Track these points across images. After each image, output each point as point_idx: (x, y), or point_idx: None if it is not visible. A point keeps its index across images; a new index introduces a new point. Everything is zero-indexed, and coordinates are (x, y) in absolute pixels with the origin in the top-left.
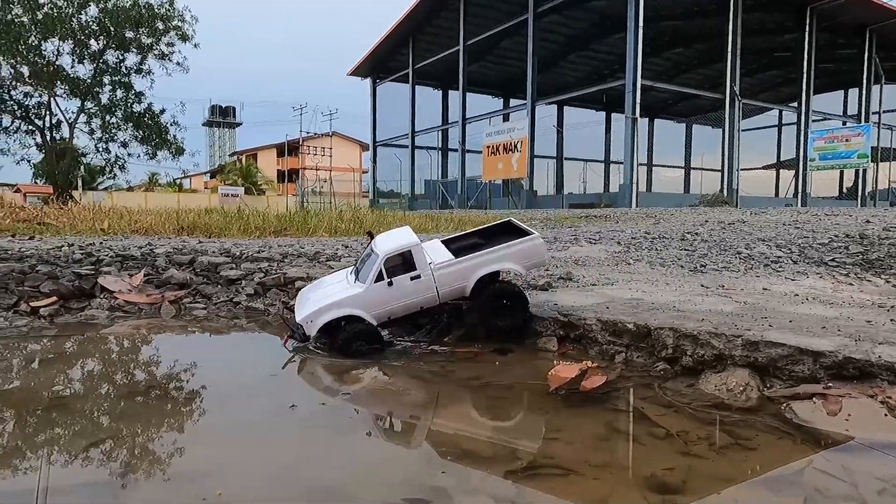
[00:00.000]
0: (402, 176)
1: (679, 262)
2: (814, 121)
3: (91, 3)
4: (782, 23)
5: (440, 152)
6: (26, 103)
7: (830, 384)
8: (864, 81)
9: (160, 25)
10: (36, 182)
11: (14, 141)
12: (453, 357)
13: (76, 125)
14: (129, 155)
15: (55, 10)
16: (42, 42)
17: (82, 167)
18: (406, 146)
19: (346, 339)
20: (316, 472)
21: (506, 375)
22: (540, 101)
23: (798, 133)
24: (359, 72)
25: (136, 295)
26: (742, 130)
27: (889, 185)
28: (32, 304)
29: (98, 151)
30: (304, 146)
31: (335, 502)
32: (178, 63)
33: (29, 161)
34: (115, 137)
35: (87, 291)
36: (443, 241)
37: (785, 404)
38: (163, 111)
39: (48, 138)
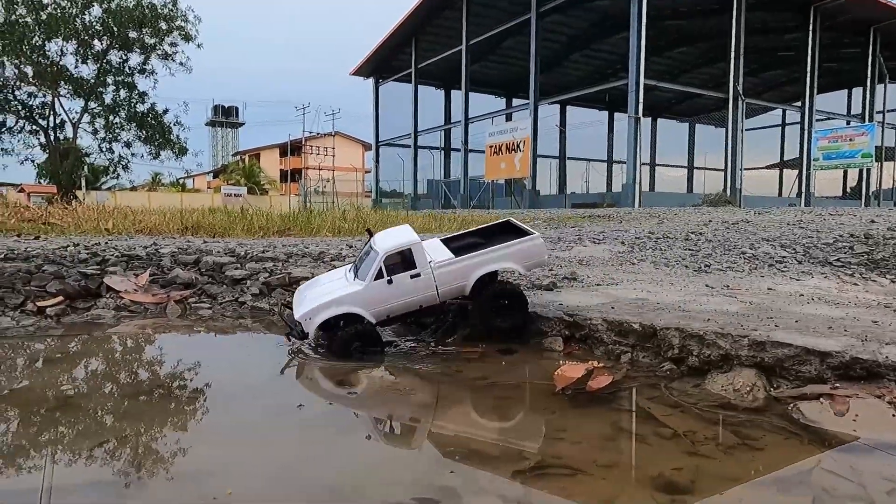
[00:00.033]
0: (405, 176)
1: (683, 262)
2: (817, 120)
3: (95, 4)
4: (786, 22)
5: (443, 152)
6: (30, 103)
7: (837, 384)
8: (869, 80)
9: (163, 25)
10: (39, 182)
11: (18, 141)
12: (459, 357)
13: (80, 125)
14: (132, 155)
15: (59, 11)
16: (46, 42)
17: (86, 167)
18: (409, 146)
19: (344, 341)
20: (324, 471)
21: (512, 375)
22: (543, 100)
23: (802, 132)
24: (361, 72)
25: (142, 295)
26: (745, 130)
27: (893, 184)
28: (39, 303)
29: (101, 151)
30: (307, 146)
31: (343, 502)
32: (181, 63)
33: (33, 161)
34: (119, 137)
35: (93, 291)
36: (443, 240)
37: (792, 404)
38: (166, 111)
39: (52, 138)
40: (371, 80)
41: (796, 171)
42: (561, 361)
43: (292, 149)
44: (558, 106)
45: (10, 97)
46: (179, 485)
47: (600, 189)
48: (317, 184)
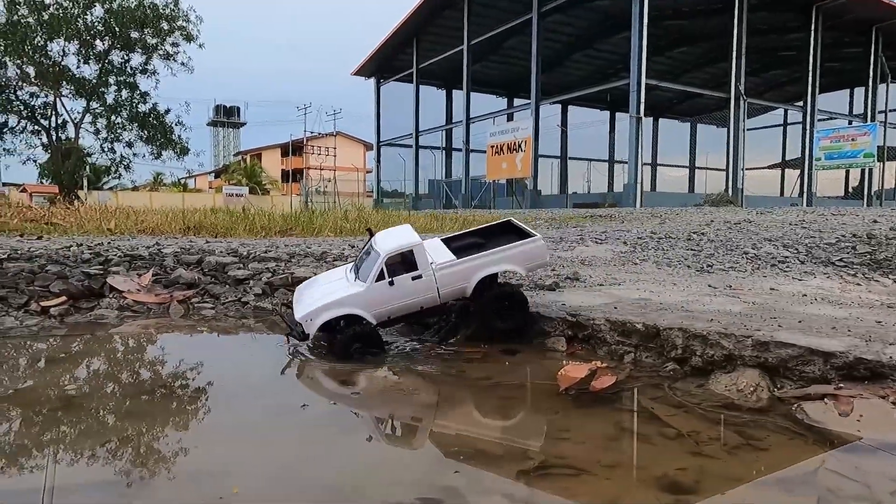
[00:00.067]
0: (406, 176)
1: (686, 262)
2: (819, 120)
3: (96, 4)
4: (787, 21)
5: (444, 152)
6: (32, 103)
7: (841, 385)
8: (871, 80)
9: (165, 26)
10: (41, 182)
11: (20, 141)
12: (461, 357)
13: (82, 125)
14: (134, 155)
15: (61, 11)
16: (48, 42)
17: (87, 167)
18: (410, 146)
19: (344, 343)
20: (327, 471)
21: (515, 375)
22: (544, 100)
23: (803, 132)
24: (363, 72)
25: (145, 294)
26: (747, 130)
27: (895, 184)
28: (43, 303)
29: (103, 151)
30: (309, 146)
31: (348, 502)
32: (182, 63)
33: (35, 161)
34: (121, 137)
35: (97, 291)
36: (443, 240)
37: (796, 405)
38: (168, 111)
39: (54, 138)
40: (372, 80)
41: (798, 171)
42: (564, 362)
43: (294, 149)
44: (560, 106)
45: (13, 97)
46: (182, 484)
47: (602, 189)
48: (318, 184)
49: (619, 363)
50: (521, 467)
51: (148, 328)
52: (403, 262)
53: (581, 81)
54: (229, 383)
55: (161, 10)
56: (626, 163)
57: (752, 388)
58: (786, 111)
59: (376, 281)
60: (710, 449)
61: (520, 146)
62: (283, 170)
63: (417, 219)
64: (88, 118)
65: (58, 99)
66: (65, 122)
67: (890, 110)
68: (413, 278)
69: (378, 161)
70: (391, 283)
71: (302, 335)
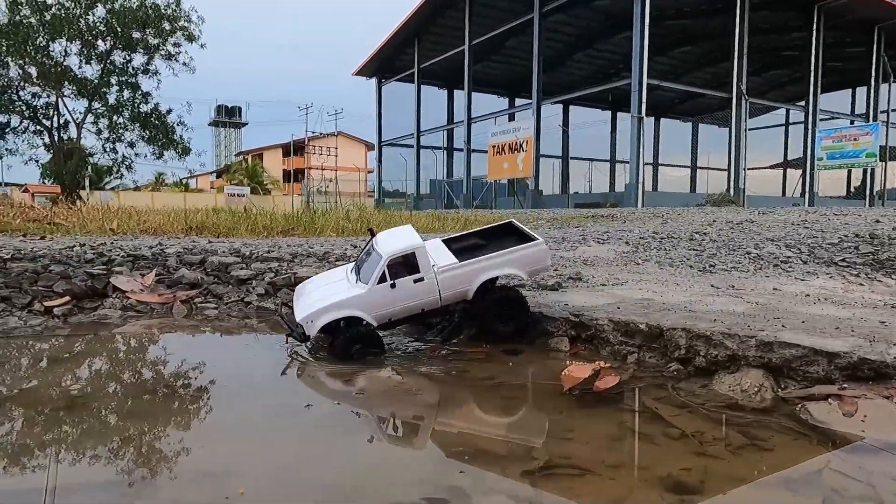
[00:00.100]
0: (408, 176)
1: (688, 262)
2: (821, 120)
3: (98, 4)
4: (789, 21)
5: (445, 152)
6: (34, 104)
7: (846, 385)
8: (873, 80)
9: (167, 26)
10: (44, 182)
11: (22, 141)
12: (465, 357)
13: (84, 125)
14: (135, 155)
15: (63, 12)
16: (50, 43)
17: (89, 167)
18: (411, 146)
19: (345, 344)
20: (332, 471)
21: (519, 376)
22: (545, 100)
23: (805, 132)
24: (364, 72)
25: (148, 295)
26: (749, 129)
27: None
28: (46, 303)
29: (105, 151)
30: (310, 146)
31: (353, 502)
32: (184, 63)
33: (37, 161)
34: (122, 137)
35: (100, 291)
36: (444, 241)
37: (800, 405)
38: (169, 111)
39: (56, 138)
40: (374, 81)
41: (800, 171)
42: (567, 362)
43: (295, 149)
44: (561, 106)
45: (15, 97)
46: (184, 484)
47: (603, 189)
48: (320, 184)
49: (622, 363)
50: (526, 467)
51: (151, 328)
52: (405, 265)
53: (582, 81)
54: (232, 383)
55: (163, 11)
56: (628, 163)
57: (755, 389)
58: (788, 111)
59: (378, 283)
60: (715, 449)
61: (521, 146)
62: (284, 170)
63: (419, 219)
64: (90, 118)
65: (60, 99)
66: (67, 123)
67: (892, 110)
68: (415, 281)
69: (379, 161)
70: (393, 286)
71: (302, 336)
